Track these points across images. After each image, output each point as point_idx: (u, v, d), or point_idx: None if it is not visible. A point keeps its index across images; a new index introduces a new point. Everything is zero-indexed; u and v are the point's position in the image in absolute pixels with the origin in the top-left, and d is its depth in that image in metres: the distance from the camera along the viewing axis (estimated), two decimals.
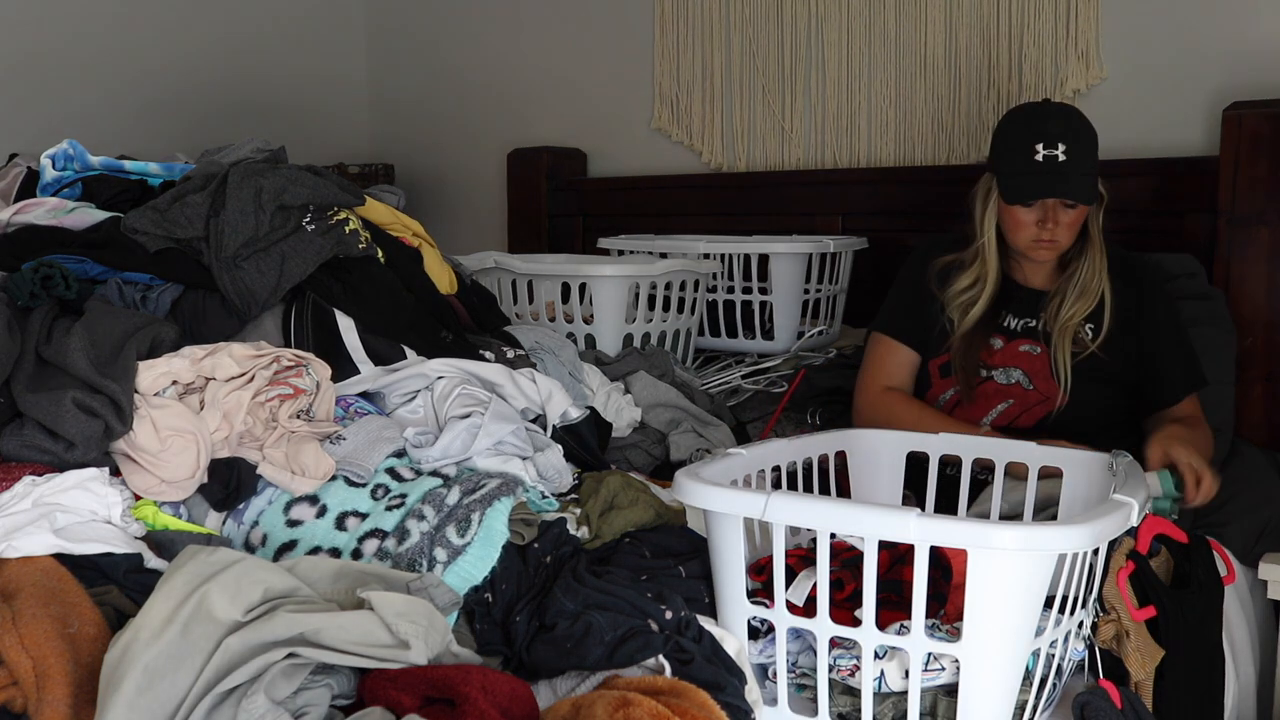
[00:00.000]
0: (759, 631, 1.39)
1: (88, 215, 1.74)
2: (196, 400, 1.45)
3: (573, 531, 1.47)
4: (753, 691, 1.28)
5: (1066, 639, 1.34)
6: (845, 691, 1.32)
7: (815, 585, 1.29)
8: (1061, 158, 1.95)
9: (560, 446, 1.66)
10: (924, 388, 2.16)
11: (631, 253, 2.77)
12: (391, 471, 1.48)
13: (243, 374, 1.47)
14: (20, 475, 1.30)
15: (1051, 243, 2.01)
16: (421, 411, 1.62)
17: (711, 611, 1.40)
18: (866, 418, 2.10)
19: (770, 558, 1.33)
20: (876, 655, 1.28)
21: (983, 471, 1.79)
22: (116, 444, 1.37)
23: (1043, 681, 1.30)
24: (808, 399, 2.40)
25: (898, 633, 1.27)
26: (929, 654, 1.25)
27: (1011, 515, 1.67)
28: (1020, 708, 1.28)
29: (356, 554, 1.36)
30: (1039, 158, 1.96)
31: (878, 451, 1.74)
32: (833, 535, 1.28)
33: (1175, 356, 2.04)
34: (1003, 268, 2.10)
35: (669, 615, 1.26)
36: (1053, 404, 2.02)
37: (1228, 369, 2.24)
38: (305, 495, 1.42)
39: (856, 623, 1.27)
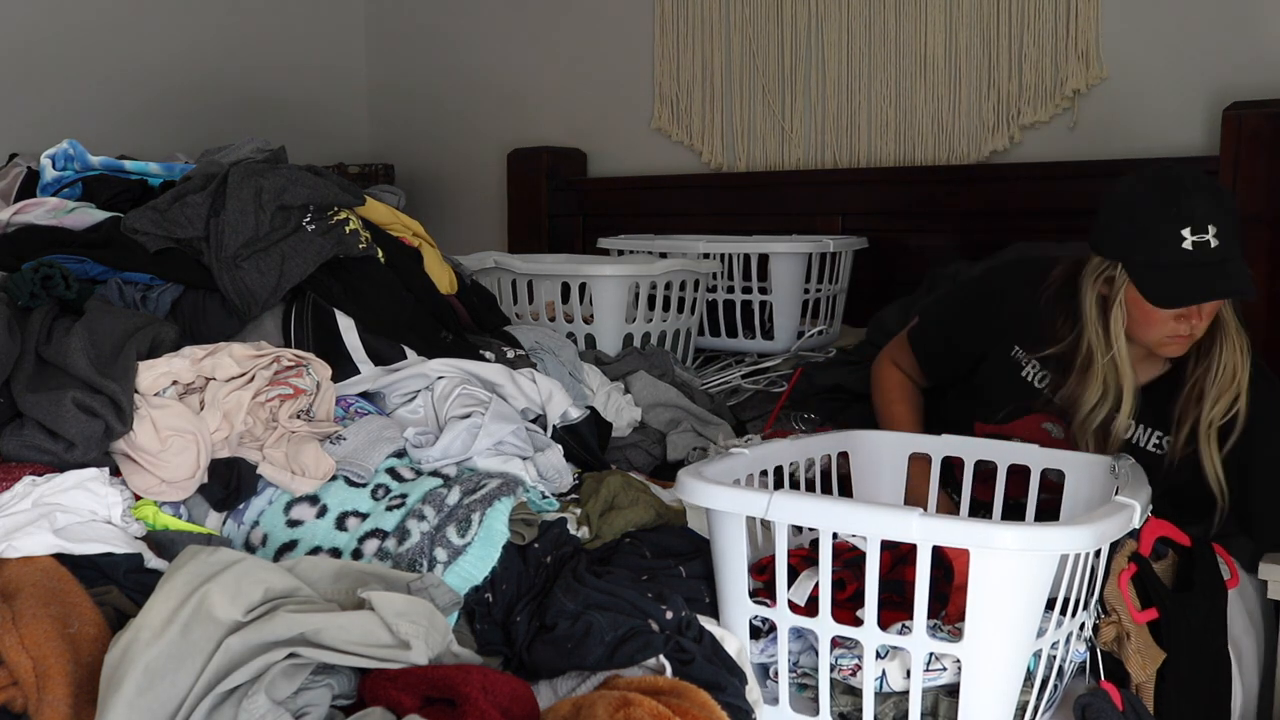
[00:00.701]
0: (760, 631, 1.39)
1: (88, 215, 1.74)
2: (196, 400, 1.45)
3: (573, 531, 1.47)
4: (753, 691, 1.28)
5: (1068, 640, 1.34)
6: (846, 691, 1.32)
7: (817, 585, 1.29)
8: (1214, 243, 1.59)
9: (560, 446, 1.66)
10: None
11: (631, 253, 2.77)
12: (392, 471, 1.48)
13: (243, 374, 1.47)
14: (20, 475, 1.30)
15: (1189, 338, 1.68)
16: (422, 411, 1.62)
17: (712, 611, 1.40)
18: (872, 372, 2.06)
19: (772, 557, 1.33)
20: (878, 655, 1.27)
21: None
22: (116, 444, 1.37)
23: (1044, 683, 1.30)
24: (808, 395, 2.39)
25: (899, 633, 1.27)
26: (930, 654, 1.25)
27: None
28: (1021, 708, 1.27)
29: (357, 554, 1.36)
30: (1187, 245, 1.59)
31: (879, 452, 1.73)
32: (835, 535, 1.28)
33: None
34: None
35: (669, 615, 1.26)
36: None
37: None
38: (305, 495, 1.42)
39: (858, 622, 1.27)
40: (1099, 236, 1.72)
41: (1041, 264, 1.86)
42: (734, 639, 1.35)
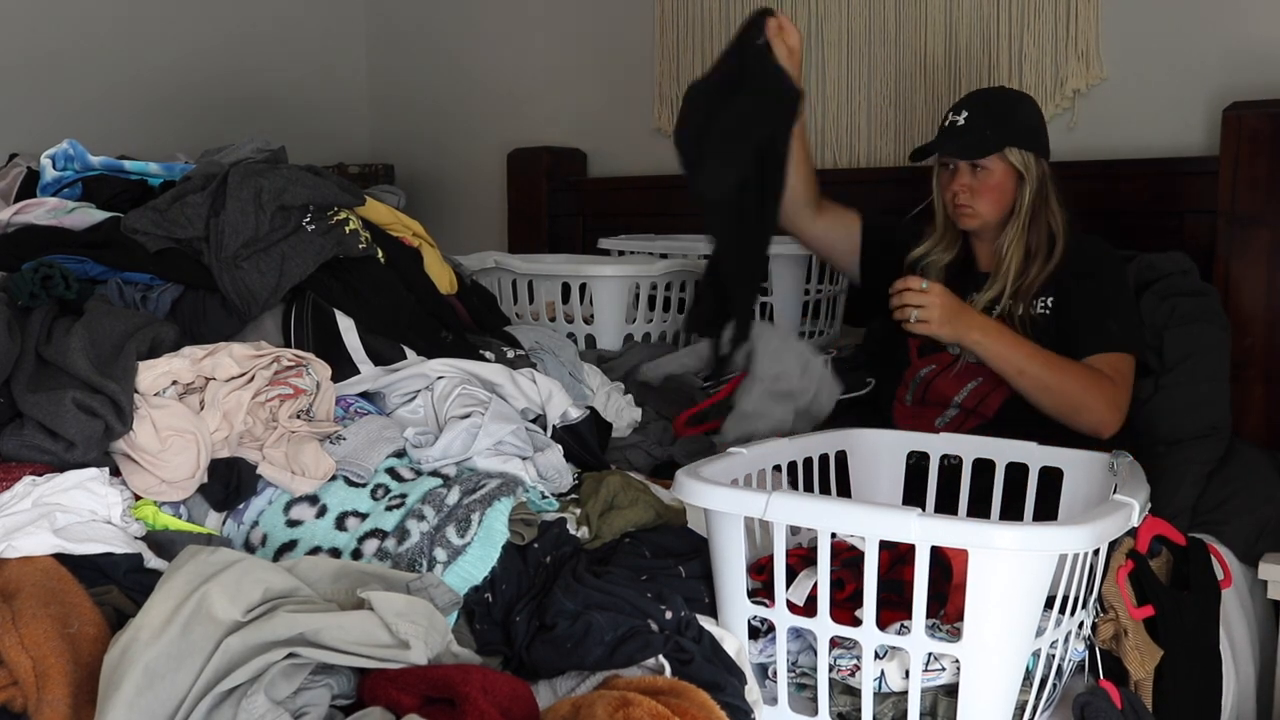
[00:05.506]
0: (759, 631, 1.39)
1: (88, 215, 1.74)
2: (196, 400, 1.45)
3: (573, 531, 1.47)
4: (752, 691, 1.28)
5: (1067, 639, 1.34)
6: (845, 691, 1.32)
7: (816, 585, 1.29)
8: (961, 123, 2.08)
9: (560, 446, 1.66)
10: (902, 365, 2.16)
11: (631, 253, 2.77)
12: (391, 471, 1.48)
13: (243, 374, 1.47)
14: (20, 475, 1.30)
15: (964, 207, 2.10)
16: (422, 411, 1.62)
17: (712, 611, 1.40)
18: None
19: (771, 557, 1.33)
20: (877, 655, 1.28)
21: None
22: (116, 444, 1.37)
23: (1043, 682, 1.30)
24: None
25: (898, 633, 1.27)
26: (929, 654, 1.25)
27: None
28: (1020, 708, 1.28)
29: (356, 554, 1.36)
30: (946, 123, 2.11)
31: (878, 451, 1.74)
32: (833, 535, 1.28)
33: (1089, 320, 2.02)
34: (964, 244, 2.19)
35: (669, 615, 1.26)
36: None
37: (1223, 366, 2.23)
38: (305, 495, 1.42)
39: (857, 622, 1.27)
40: None
41: None
42: (733, 639, 1.35)
